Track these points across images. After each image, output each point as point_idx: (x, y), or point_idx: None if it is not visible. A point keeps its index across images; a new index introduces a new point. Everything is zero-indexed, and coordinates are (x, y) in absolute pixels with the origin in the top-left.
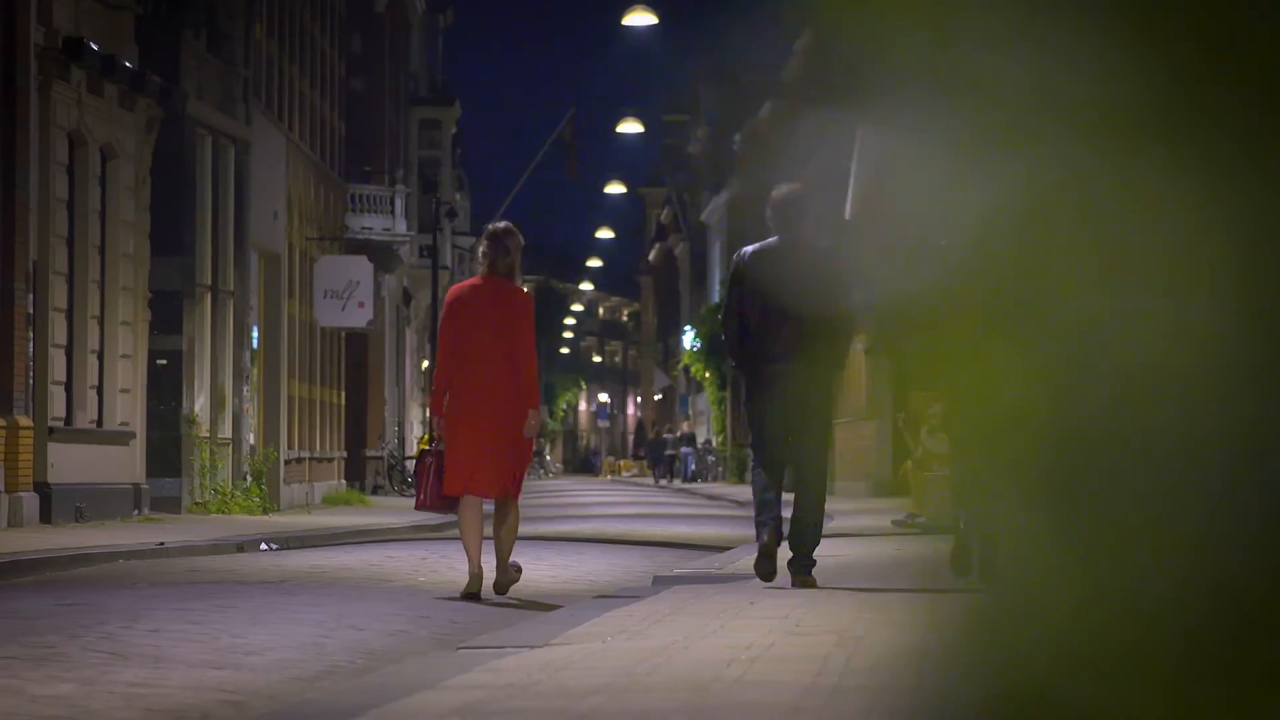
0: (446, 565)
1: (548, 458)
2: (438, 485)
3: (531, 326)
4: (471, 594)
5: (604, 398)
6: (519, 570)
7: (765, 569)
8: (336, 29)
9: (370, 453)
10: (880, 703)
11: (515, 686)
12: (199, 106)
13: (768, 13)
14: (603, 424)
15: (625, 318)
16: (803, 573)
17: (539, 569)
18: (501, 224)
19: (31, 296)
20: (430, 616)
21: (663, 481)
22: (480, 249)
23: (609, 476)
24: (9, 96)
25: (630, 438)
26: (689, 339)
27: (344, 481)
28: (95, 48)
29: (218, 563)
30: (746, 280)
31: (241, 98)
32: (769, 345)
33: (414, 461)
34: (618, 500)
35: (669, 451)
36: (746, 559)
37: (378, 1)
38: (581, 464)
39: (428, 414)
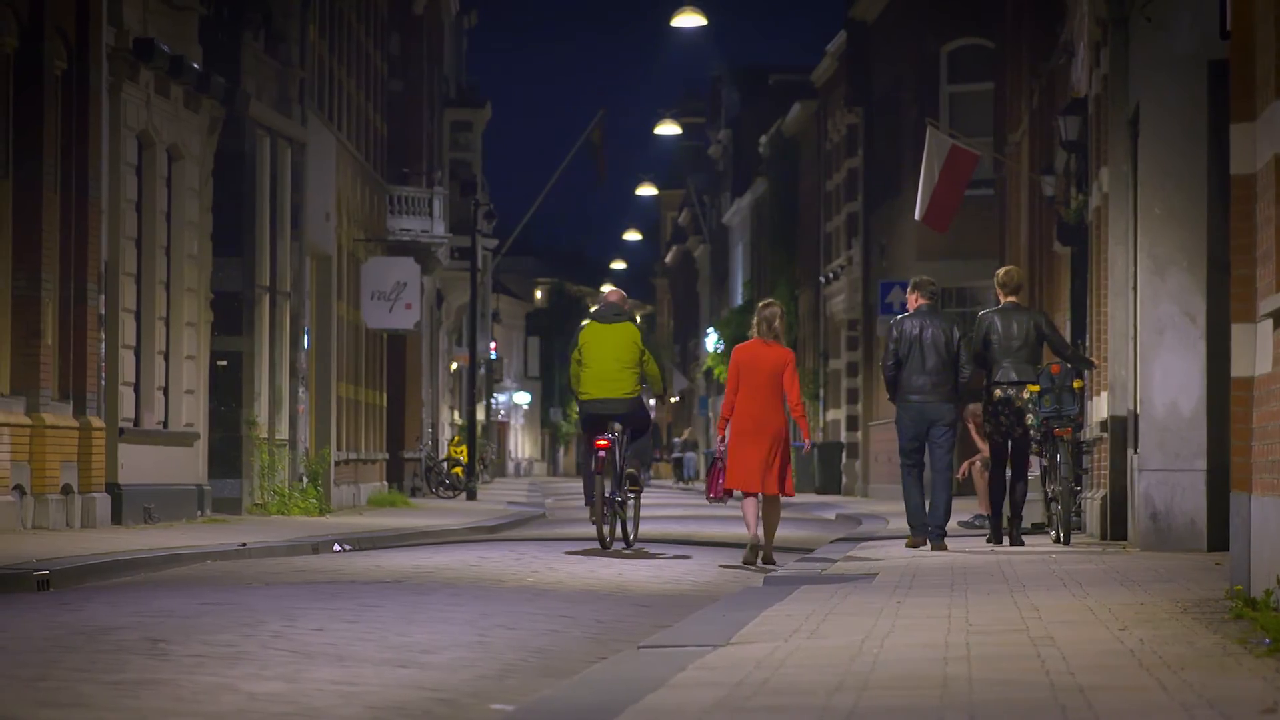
0: (544, 565)
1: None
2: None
3: (795, 373)
4: (750, 560)
5: None
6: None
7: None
8: (379, 30)
9: (408, 454)
10: (1148, 703)
11: (750, 685)
12: (258, 107)
13: (799, 14)
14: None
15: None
16: (938, 540)
17: (636, 569)
18: (769, 307)
19: (103, 297)
20: (573, 616)
21: (680, 484)
22: (756, 321)
23: None
24: (82, 97)
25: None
26: (712, 341)
27: (386, 483)
28: (165, 48)
29: (316, 563)
30: (900, 338)
31: (298, 98)
32: (915, 382)
33: (449, 463)
34: (653, 502)
35: (675, 455)
36: (841, 562)
37: (417, 3)
38: None
39: (716, 432)
